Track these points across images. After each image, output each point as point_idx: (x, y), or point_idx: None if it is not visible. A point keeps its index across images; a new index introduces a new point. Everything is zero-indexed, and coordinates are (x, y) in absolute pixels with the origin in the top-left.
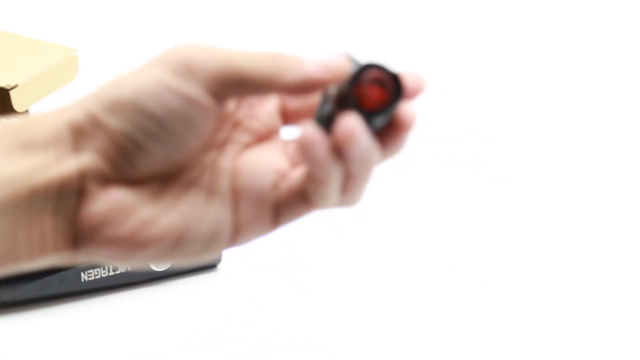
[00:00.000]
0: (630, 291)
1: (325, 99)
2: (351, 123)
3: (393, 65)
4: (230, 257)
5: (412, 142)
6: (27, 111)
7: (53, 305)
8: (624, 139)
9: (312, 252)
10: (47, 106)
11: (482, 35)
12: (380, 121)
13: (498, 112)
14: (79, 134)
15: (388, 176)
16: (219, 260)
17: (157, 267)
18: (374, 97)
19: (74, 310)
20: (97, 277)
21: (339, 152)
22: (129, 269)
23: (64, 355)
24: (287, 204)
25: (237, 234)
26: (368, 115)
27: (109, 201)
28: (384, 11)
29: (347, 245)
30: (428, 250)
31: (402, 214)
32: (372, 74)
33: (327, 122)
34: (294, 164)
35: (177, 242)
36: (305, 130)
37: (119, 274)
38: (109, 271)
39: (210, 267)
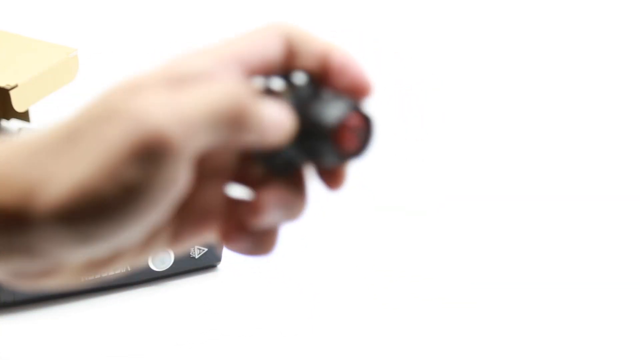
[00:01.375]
0: (626, 294)
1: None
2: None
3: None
4: (230, 257)
5: (403, 147)
6: (27, 111)
7: (53, 305)
8: (623, 139)
9: (311, 252)
10: (47, 106)
11: (481, 35)
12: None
13: (496, 112)
14: None
15: (385, 182)
16: (219, 260)
17: (157, 267)
18: (352, 141)
19: (74, 310)
20: (97, 277)
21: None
22: (129, 269)
23: (64, 355)
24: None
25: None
26: (342, 159)
27: None
28: (383, 11)
29: (346, 246)
30: (427, 253)
31: (401, 217)
32: (351, 118)
33: (284, 168)
34: None
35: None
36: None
37: (119, 274)
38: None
39: (210, 267)
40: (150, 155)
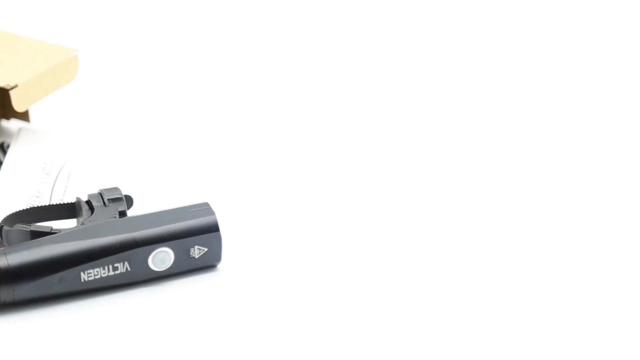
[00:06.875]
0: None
1: None
2: None
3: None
4: (230, 257)
5: (406, 146)
6: (27, 111)
7: (53, 305)
8: (623, 139)
9: (311, 252)
10: (47, 106)
11: (481, 35)
12: None
13: (495, 112)
14: None
15: (388, 180)
16: (218, 260)
17: (157, 267)
18: None
19: (74, 310)
20: (97, 277)
21: None
22: (129, 269)
23: (64, 355)
24: None
25: None
26: None
27: None
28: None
29: (346, 245)
30: (430, 251)
31: (401, 215)
32: None
33: None
34: None
35: None
36: None
37: (119, 274)
38: (109, 271)
39: (210, 267)
40: None
